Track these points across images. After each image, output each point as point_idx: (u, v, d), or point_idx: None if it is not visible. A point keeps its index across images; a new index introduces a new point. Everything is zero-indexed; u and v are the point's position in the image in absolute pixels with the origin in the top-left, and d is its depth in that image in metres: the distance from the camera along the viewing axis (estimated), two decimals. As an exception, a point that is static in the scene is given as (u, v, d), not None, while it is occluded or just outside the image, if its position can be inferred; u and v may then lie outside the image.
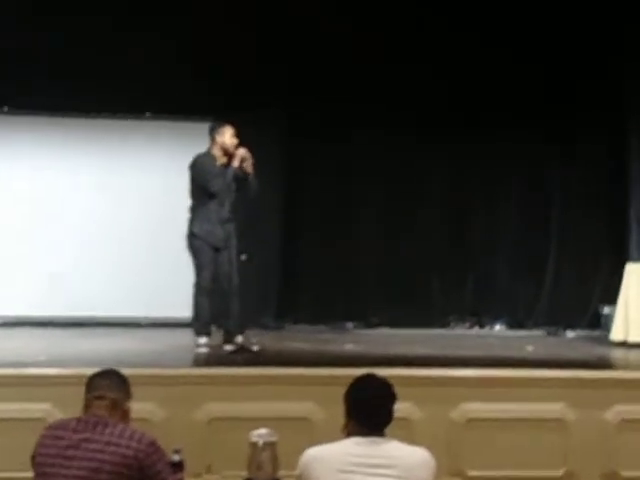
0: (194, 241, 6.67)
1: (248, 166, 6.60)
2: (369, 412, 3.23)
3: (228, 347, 6.55)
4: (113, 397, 3.26)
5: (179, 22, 7.86)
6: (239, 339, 6.65)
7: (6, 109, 8.24)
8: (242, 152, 6.60)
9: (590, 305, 8.66)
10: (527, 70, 8.37)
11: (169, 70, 7.84)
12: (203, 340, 6.63)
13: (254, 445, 3.66)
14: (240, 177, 6.62)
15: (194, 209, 6.67)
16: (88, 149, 8.34)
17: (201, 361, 6.33)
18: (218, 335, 6.75)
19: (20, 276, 8.15)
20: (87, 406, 3.27)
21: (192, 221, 6.66)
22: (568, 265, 8.82)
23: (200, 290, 6.73)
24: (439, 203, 8.76)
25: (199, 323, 6.75)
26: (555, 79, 8.45)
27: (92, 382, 3.32)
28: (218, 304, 6.71)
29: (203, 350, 6.54)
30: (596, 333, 8.26)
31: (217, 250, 6.62)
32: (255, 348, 6.55)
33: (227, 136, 6.66)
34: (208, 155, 6.73)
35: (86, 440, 3.14)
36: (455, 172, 8.77)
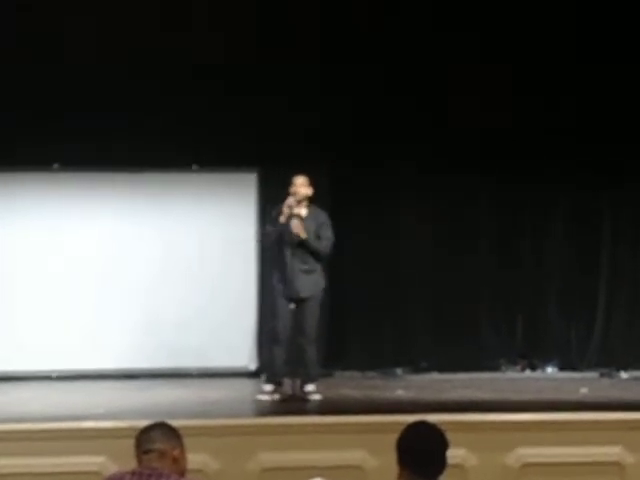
0: (272, 292, 6.80)
1: (297, 230, 6.59)
2: (422, 460, 3.20)
3: (264, 397, 6.58)
4: (158, 447, 3.27)
5: (227, 77, 7.97)
6: (309, 388, 6.68)
7: (56, 166, 8.39)
8: (288, 201, 6.64)
9: (644, 345, 8.54)
10: (576, 103, 8.35)
11: (216, 123, 7.95)
12: (268, 388, 6.68)
13: (308, 495, 3.66)
14: (291, 238, 6.61)
15: (273, 261, 6.81)
16: (138, 204, 8.46)
17: (258, 409, 6.36)
18: (286, 385, 6.79)
19: (76, 330, 8.22)
20: (139, 462, 3.31)
21: (272, 271, 6.78)
22: (620, 304, 8.69)
23: (272, 339, 6.85)
24: (488, 245, 8.70)
25: (269, 371, 6.85)
26: (603, 117, 8.38)
27: (138, 439, 3.35)
28: (291, 354, 6.76)
29: (265, 398, 6.59)
30: (651, 373, 8.15)
31: (292, 301, 6.66)
32: (316, 397, 6.58)
33: (292, 186, 6.68)
34: (278, 206, 6.77)
35: None
36: (503, 213, 8.71)
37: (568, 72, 8.34)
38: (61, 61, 7.83)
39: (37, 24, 7.73)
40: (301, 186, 6.65)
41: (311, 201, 6.74)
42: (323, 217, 6.79)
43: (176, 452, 3.31)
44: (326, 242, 6.73)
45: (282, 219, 6.60)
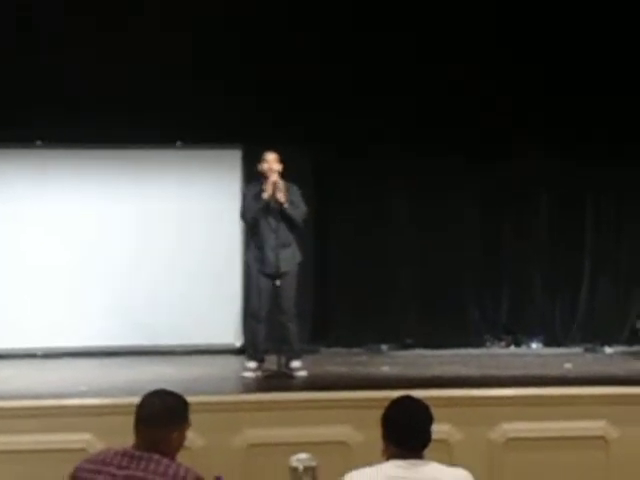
0: (247, 268, 6.79)
1: (280, 196, 6.64)
2: (407, 434, 3.22)
3: (248, 374, 6.62)
4: (154, 439, 3.11)
5: (210, 53, 7.92)
6: (295, 364, 6.70)
7: (39, 143, 8.33)
8: (272, 179, 6.65)
9: (627, 320, 8.58)
10: (565, 94, 8.33)
11: (200, 99, 7.90)
12: (251, 365, 6.71)
13: (294, 470, 3.66)
14: (273, 207, 6.66)
15: (249, 237, 6.80)
16: (121, 180, 8.42)
17: (244, 385, 6.38)
18: (271, 361, 6.79)
19: (59, 307, 8.20)
20: (136, 435, 3.16)
21: (246, 249, 6.77)
22: (604, 280, 8.74)
23: (250, 316, 6.92)
24: (472, 221, 8.71)
25: (250, 348, 6.88)
26: (594, 106, 8.37)
27: (137, 412, 3.19)
28: (274, 331, 6.78)
29: (249, 374, 6.62)
30: (635, 348, 8.19)
31: (269, 276, 6.67)
32: (301, 374, 6.60)
33: (263, 163, 6.74)
34: (254, 184, 6.85)
35: (130, 477, 3.03)
36: (488, 189, 8.71)
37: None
38: (47, 39, 7.75)
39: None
40: (274, 162, 6.71)
41: (281, 176, 6.78)
42: (295, 189, 6.86)
43: (175, 434, 3.17)
44: (301, 210, 6.80)
45: (266, 196, 6.63)
